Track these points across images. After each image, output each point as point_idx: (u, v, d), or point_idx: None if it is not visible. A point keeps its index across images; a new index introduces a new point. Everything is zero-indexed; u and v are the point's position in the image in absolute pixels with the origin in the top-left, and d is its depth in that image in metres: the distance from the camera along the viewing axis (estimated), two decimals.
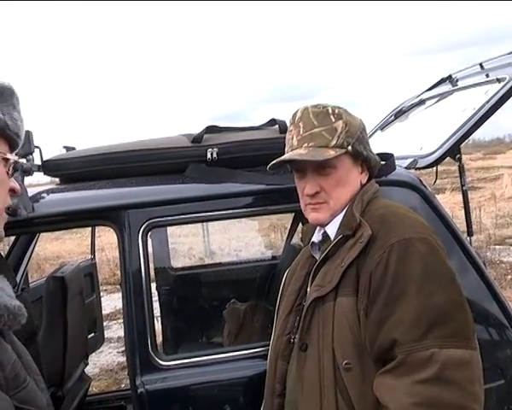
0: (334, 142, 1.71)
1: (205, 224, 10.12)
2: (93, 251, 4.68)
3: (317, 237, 1.87)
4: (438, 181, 2.76)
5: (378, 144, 2.58)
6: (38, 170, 2.44)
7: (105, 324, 5.63)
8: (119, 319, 8.12)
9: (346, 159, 1.74)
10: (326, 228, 1.81)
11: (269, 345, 1.99)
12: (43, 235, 3.09)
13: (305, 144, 1.73)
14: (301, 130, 1.75)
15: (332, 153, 1.69)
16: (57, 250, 13.96)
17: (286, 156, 1.78)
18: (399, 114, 3.54)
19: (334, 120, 1.72)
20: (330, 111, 1.73)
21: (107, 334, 5.61)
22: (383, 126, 3.67)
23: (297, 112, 1.79)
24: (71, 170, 2.43)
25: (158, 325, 2.63)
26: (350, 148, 1.72)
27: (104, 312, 5.68)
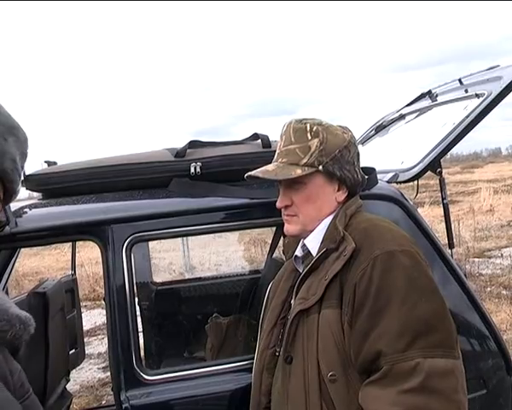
0: (304, 160, 1.73)
1: (185, 239, 10.09)
2: (73, 266, 4.64)
3: (299, 251, 1.90)
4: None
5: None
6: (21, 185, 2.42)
7: (85, 340, 5.58)
8: (99, 335, 8.04)
9: (317, 176, 1.76)
10: (306, 242, 1.84)
11: (252, 359, 1.99)
12: (22, 250, 3.07)
13: (280, 159, 1.79)
14: (281, 144, 1.80)
15: (298, 172, 1.73)
16: (36, 266, 13.77)
17: (253, 172, 1.83)
18: (380, 128, 3.57)
19: (310, 137, 1.74)
20: (308, 128, 1.75)
21: (87, 350, 5.55)
22: (364, 141, 3.70)
23: (284, 125, 1.82)
24: (54, 185, 2.41)
25: (140, 340, 2.62)
26: (321, 167, 1.74)
27: (84, 328, 5.63)
